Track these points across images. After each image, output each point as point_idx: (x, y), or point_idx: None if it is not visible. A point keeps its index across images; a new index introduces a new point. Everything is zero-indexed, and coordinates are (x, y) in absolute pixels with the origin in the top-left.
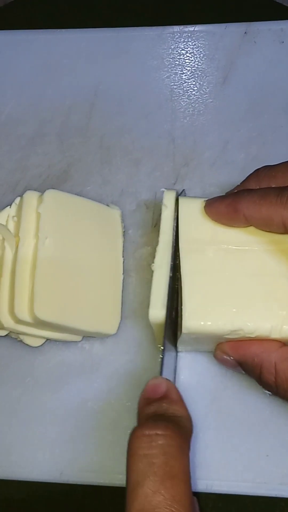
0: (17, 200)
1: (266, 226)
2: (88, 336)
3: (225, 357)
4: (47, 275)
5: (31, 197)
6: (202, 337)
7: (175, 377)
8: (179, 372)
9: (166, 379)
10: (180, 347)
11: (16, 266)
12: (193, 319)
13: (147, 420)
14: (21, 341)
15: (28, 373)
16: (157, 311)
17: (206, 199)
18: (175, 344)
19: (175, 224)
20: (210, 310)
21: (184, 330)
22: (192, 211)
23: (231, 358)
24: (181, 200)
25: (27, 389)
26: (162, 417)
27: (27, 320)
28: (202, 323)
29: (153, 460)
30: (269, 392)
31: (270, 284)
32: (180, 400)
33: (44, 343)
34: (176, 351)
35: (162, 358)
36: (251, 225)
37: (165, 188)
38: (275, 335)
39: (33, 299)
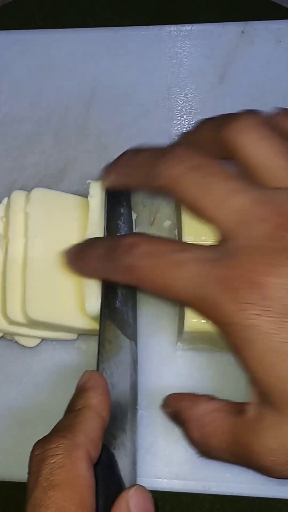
0: (5, 200)
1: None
2: (84, 334)
3: (165, 408)
4: (38, 275)
5: (18, 197)
6: (204, 335)
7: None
8: (179, 372)
9: (90, 371)
10: (180, 344)
11: (6, 268)
12: (195, 318)
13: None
14: (16, 342)
15: (25, 373)
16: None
17: None
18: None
19: (105, 214)
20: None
21: (186, 328)
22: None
23: (169, 410)
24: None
25: (24, 390)
26: (64, 421)
27: (20, 321)
28: (204, 321)
29: (37, 474)
30: (198, 454)
31: None
32: (95, 387)
33: (39, 343)
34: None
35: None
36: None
37: (91, 180)
38: None
39: (25, 300)
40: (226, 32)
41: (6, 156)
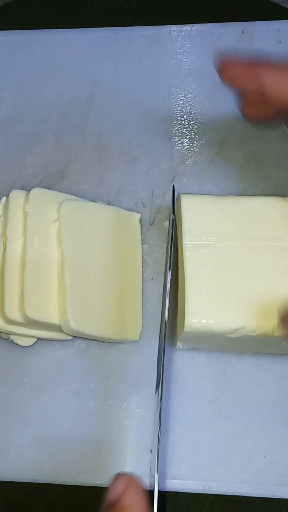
0: (3, 199)
1: (285, 101)
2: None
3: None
4: (36, 274)
5: (17, 196)
6: (204, 335)
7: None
8: (178, 372)
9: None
10: (180, 344)
11: (5, 266)
12: (195, 318)
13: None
14: (11, 341)
15: (25, 373)
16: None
17: (207, 194)
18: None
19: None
20: (212, 308)
21: (186, 328)
22: (195, 208)
23: None
24: (182, 197)
25: (24, 390)
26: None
27: (18, 320)
28: (204, 321)
29: None
30: None
31: (271, 281)
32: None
33: (35, 342)
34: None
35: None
36: (264, 102)
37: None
38: (278, 333)
39: (22, 299)
40: (226, 32)
41: (6, 156)
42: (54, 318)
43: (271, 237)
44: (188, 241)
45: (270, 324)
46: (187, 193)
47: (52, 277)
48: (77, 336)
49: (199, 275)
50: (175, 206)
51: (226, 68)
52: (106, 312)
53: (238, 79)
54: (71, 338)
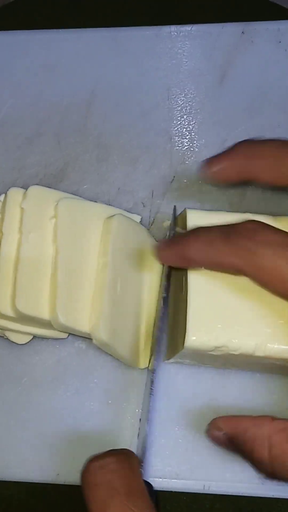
0: (2, 197)
1: (218, 269)
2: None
3: (216, 433)
4: (30, 270)
5: (15, 193)
6: (189, 352)
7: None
8: (178, 372)
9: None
10: (173, 360)
11: (0, 261)
12: (194, 336)
13: (94, 457)
14: (7, 338)
15: (25, 373)
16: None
17: (213, 210)
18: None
19: None
20: (213, 327)
21: (186, 347)
22: (201, 223)
23: (223, 434)
24: (189, 213)
25: (24, 390)
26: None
27: (10, 315)
28: (205, 340)
29: (112, 484)
30: (263, 474)
31: (257, 300)
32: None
33: (31, 340)
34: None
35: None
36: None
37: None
38: (259, 353)
39: (15, 293)
40: (226, 33)
41: (6, 156)
42: (45, 313)
43: None
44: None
45: (252, 344)
46: (193, 209)
47: (45, 273)
48: (70, 333)
49: (202, 292)
50: (177, 220)
51: (159, 254)
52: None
53: (172, 263)
54: (67, 336)
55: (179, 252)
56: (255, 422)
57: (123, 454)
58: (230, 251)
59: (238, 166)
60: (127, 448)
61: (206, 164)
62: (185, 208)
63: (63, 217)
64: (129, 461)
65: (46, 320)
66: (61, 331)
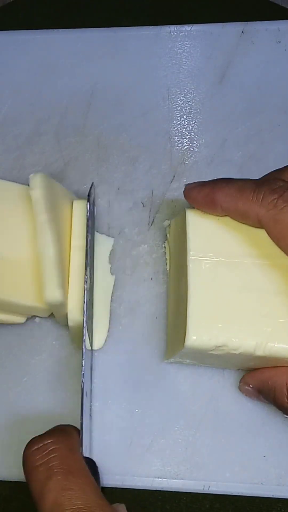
0: None
1: (242, 219)
2: (32, 314)
3: (246, 387)
4: None
5: None
6: (189, 352)
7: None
8: (178, 372)
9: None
10: (172, 360)
11: None
12: (195, 335)
13: (31, 440)
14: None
15: (25, 372)
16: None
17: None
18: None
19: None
20: (213, 326)
21: (186, 346)
22: (200, 223)
23: (251, 387)
24: (188, 212)
25: (24, 389)
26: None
27: None
28: (205, 339)
29: (50, 465)
30: (286, 415)
31: (258, 299)
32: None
33: (31, 340)
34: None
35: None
36: (227, 215)
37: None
38: (259, 352)
39: None
40: (226, 33)
41: (6, 156)
42: (5, 295)
43: (263, 254)
44: (193, 256)
45: (252, 343)
46: (193, 208)
47: (5, 255)
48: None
49: (203, 291)
50: (175, 221)
51: (189, 194)
52: (20, 279)
53: (198, 202)
54: (24, 321)
55: (209, 195)
56: (275, 372)
57: (62, 433)
58: (258, 202)
59: (205, 193)
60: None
61: (186, 186)
62: (184, 208)
63: (44, 191)
64: (68, 440)
65: (6, 302)
66: (23, 315)
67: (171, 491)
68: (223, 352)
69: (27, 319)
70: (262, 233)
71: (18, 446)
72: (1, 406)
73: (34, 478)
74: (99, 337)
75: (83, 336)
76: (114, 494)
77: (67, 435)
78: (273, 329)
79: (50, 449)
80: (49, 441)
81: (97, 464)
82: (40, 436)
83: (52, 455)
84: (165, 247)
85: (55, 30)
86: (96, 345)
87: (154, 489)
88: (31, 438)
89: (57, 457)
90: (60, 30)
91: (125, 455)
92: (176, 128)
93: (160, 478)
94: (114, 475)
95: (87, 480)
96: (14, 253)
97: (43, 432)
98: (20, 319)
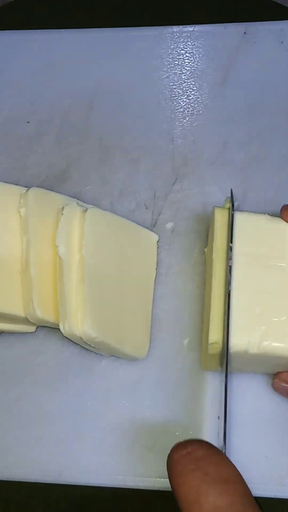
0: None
1: None
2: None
3: (279, 384)
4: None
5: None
6: (236, 355)
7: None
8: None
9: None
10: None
11: None
12: (236, 336)
13: (177, 445)
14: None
15: (27, 373)
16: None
17: (265, 214)
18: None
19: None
20: (257, 329)
21: (231, 349)
22: (249, 227)
23: (284, 384)
24: (237, 215)
25: (25, 389)
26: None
27: None
28: (249, 339)
29: (205, 470)
30: None
31: None
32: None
33: (33, 341)
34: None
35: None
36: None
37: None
38: None
39: None
40: (228, 33)
41: (8, 156)
42: (18, 310)
43: None
44: (239, 258)
45: None
46: (241, 211)
47: (16, 267)
48: (42, 326)
49: (246, 294)
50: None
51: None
52: (14, 290)
53: None
54: (34, 330)
55: None
56: None
57: (205, 442)
58: None
59: None
60: None
61: (283, 206)
62: (214, 207)
63: (32, 209)
64: (213, 446)
65: (19, 316)
66: (33, 325)
67: (171, 491)
68: (266, 355)
69: (37, 327)
70: None
71: (17, 446)
72: (1, 406)
73: (186, 484)
74: (142, 345)
75: (226, 356)
76: (115, 494)
77: (209, 444)
78: None
79: (200, 454)
80: (197, 446)
81: (97, 464)
82: (184, 442)
83: (206, 462)
84: (167, 248)
85: (57, 30)
86: (139, 354)
87: (157, 488)
88: (174, 445)
89: (210, 463)
90: (62, 30)
91: (127, 456)
92: (178, 130)
93: (162, 478)
94: (116, 475)
95: (243, 489)
96: (8, 259)
97: (185, 440)
98: (31, 328)
